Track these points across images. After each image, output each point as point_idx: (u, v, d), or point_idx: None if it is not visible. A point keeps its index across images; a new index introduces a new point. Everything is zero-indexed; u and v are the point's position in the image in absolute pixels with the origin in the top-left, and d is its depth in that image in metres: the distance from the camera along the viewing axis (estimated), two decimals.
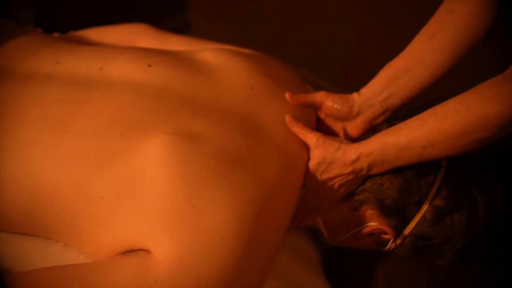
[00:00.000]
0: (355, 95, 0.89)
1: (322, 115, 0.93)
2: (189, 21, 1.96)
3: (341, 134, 0.91)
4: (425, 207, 0.79)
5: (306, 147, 0.84)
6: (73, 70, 0.82)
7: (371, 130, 0.88)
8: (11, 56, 0.84)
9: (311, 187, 0.84)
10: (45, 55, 0.85)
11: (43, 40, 0.90)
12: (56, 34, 1.11)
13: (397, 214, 0.80)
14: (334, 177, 0.81)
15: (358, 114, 0.88)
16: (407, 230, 0.81)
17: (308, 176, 0.83)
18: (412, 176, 0.79)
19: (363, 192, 0.81)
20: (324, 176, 0.82)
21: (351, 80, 1.03)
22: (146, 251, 0.69)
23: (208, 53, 0.90)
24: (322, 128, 0.92)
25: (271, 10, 1.60)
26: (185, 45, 1.03)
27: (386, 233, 0.83)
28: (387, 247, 0.84)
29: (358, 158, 0.78)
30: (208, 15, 1.92)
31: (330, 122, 0.92)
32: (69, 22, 1.38)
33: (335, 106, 0.88)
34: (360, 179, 0.82)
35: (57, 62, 0.83)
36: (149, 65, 0.84)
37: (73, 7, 1.63)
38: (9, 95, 0.78)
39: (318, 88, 0.99)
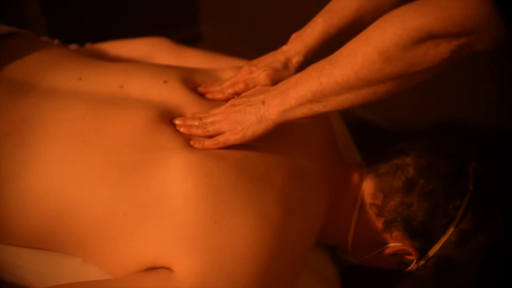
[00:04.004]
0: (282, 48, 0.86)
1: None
2: (200, 32, 1.96)
3: None
4: (451, 230, 0.78)
5: (321, 163, 0.83)
6: (95, 87, 0.82)
7: None
8: (33, 70, 0.84)
9: None
10: (67, 70, 0.85)
11: (64, 55, 0.90)
12: (73, 46, 1.11)
13: (422, 235, 0.79)
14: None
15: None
16: (431, 252, 0.80)
17: None
18: (441, 199, 0.78)
19: (391, 212, 0.80)
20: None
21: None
22: (168, 268, 0.69)
23: (230, 72, 0.90)
24: None
25: (282, 21, 1.60)
26: (204, 61, 1.03)
27: (409, 254, 0.82)
28: (410, 268, 0.84)
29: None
30: (219, 26, 1.92)
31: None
32: (80, 32, 1.38)
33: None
34: None
35: (80, 79, 0.83)
36: (165, 82, 0.84)
37: (84, 16, 1.63)
38: (31, 110, 0.77)
39: None
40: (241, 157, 0.75)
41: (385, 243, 0.83)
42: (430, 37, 0.58)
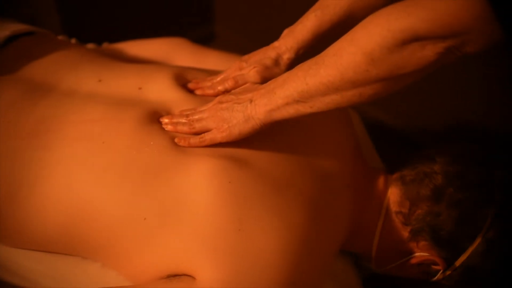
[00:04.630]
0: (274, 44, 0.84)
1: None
2: (214, 32, 1.95)
3: None
4: (478, 240, 0.76)
5: (346, 168, 0.82)
6: (114, 89, 0.81)
7: None
8: (52, 71, 0.83)
9: None
10: (87, 72, 0.84)
11: (83, 55, 0.88)
12: (90, 45, 1.10)
13: (450, 245, 0.78)
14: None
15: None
16: (458, 262, 0.78)
17: None
18: (469, 208, 0.76)
19: (418, 221, 0.79)
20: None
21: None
22: (190, 276, 0.68)
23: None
24: None
25: (296, 21, 1.59)
26: (223, 62, 1.02)
27: (436, 264, 0.80)
28: (435, 278, 0.82)
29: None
30: (232, 26, 1.91)
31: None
32: (94, 29, 1.37)
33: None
34: None
35: (99, 80, 0.82)
36: (184, 85, 0.83)
37: (98, 14, 1.62)
38: (50, 111, 0.76)
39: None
40: (265, 163, 0.73)
41: (410, 252, 0.81)
42: (416, 38, 0.56)
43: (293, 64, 0.80)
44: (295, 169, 0.75)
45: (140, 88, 0.82)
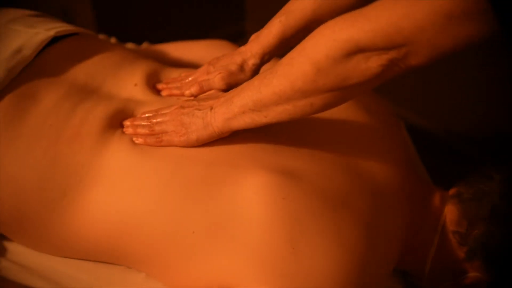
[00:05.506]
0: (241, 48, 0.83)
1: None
2: (244, 29, 1.93)
3: None
4: None
5: (402, 184, 0.79)
6: (149, 93, 0.82)
7: None
8: (93, 73, 0.82)
9: None
10: (126, 75, 0.83)
11: (124, 57, 0.87)
12: (130, 45, 1.08)
13: (505, 267, 0.75)
14: None
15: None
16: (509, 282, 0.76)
17: None
18: None
19: (475, 242, 0.76)
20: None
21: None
22: None
23: None
24: None
25: None
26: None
27: (488, 285, 0.78)
28: None
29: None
30: (263, 23, 1.88)
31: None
32: (127, 26, 1.35)
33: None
34: None
35: (135, 84, 0.82)
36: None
37: (132, 11, 1.61)
38: (90, 115, 0.75)
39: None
40: (320, 178, 0.71)
41: (464, 272, 0.79)
42: (360, 50, 0.56)
43: (258, 69, 0.80)
44: (350, 184, 0.72)
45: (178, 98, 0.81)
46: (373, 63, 0.56)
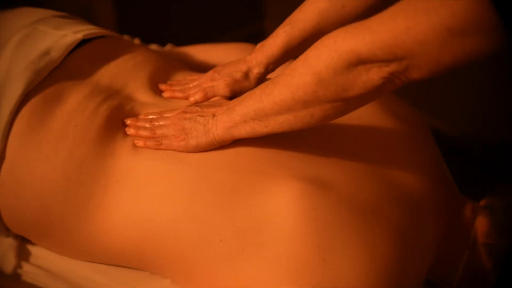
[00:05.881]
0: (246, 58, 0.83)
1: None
2: (264, 29, 1.92)
3: None
4: None
5: (434, 193, 0.78)
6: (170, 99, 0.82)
7: None
8: (118, 76, 0.82)
9: None
10: (147, 77, 0.84)
11: (148, 59, 0.87)
12: (153, 46, 1.07)
13: None
14: None
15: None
16: None
17: None
18: None
19: (504, 253, 0.75)
20: None
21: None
22: None
23: None
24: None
25: None
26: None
27: None
28: None
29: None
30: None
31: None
32: (148, 27, 1.35)
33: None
34: None
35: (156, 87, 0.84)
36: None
37: (152, 11, 1.61)
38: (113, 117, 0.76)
39: None
40: (351, 187, 0.70)
41: (492, 284, 0.77)
42: (361, 61, 0.55)
43: (262, 78, 0.81)
44: (381, 194, 0.71)
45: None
46: (374, 75, 0.55)
